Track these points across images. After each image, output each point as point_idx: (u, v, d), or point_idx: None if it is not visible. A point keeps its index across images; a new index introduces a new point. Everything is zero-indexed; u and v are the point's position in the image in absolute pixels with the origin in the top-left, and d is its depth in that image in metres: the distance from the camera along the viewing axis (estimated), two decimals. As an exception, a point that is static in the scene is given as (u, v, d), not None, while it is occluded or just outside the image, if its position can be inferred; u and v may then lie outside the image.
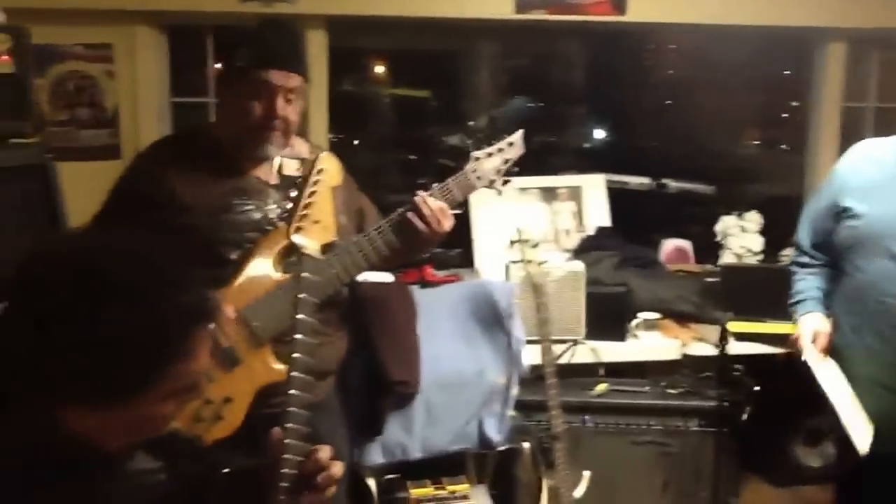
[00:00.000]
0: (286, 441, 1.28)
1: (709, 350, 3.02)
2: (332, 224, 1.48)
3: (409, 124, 4.35)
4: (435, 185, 2.12)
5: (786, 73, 4.50)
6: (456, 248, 3.52)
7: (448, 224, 2.10)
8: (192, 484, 1.23)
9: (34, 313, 1.02)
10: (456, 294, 2.88)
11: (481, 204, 3.48)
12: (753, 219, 3.61)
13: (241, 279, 1.98)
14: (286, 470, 1.26)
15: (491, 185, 2.20)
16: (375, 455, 2.61)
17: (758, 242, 3.57)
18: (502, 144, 2.20)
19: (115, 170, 2.19)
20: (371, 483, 2.63)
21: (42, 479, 1.02)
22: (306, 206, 1.45)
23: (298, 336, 1.35)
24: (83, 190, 2.04)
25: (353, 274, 2.06)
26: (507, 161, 2.20)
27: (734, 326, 2.91)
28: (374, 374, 2.55)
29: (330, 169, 1.50)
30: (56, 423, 1.03)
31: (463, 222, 3.48)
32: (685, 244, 3.68)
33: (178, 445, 1.31)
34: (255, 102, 1.99)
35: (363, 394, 2.54)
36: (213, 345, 1.14)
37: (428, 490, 2.60)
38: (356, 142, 4.33)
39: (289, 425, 1.30)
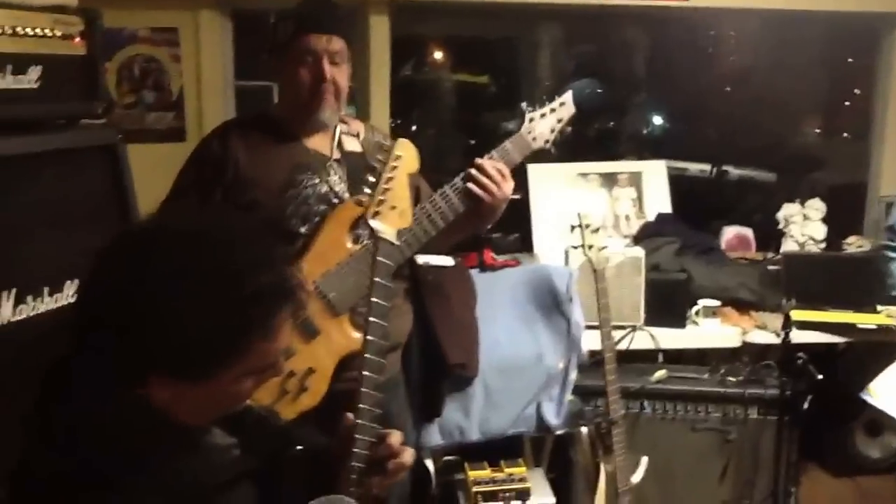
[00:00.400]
0: (359, 422, 1.30)
1: (769, 338, 2.98)
2: (408, 210, 1.49)
3: (468, 110, 4.35)
4: (493, 150, 2.16)
5: (849, 60, 4.39)
6: (514, 233, 3.52)
7: (509, 187, 2.13)
8: (267, 460, 1.25)
9: (122, 288, 1.04)
10: (515, 278, 2.88)
11: (541, 189, 3.47)
12: (816, 206, 3.53)
13: (313, 252, 2.03)
14: (357, 451, 1.28)
15: (546, 144, 2.23)
16: (434, 436, 2.63)
17: (821, 230, 3.50)
18: (554, 104, 2.24)
19: (179, 152, 2.25)
20: (429, 464, 2.66)
21: (129, 451, 1.05)
22: (384, 192, 1.47)
23: (372, 319, 1.37)
24: (148, 172, 2.09)
25: (421, 241, 2.09)
26: (560, 121, 2.23)
27: (796, 315, 2.86)
28: (433, 356, 2.57)
29: (407, 155, 1.52)
30: (140, 397, 1.06)
31: (521, 207, 3.48)
32: (746, 231, 3.62)
33: (253, 421, 1.32)
34: (302, 70, 2.05)
35: (422, 376, 2.56)
36: (294, 317, 1.15)
37: (485, 472, 2.61)
38: (414, 127, 4.36)
39: (361, 406, 1.31)
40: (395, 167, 1.49)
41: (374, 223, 1.45)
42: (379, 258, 1.41)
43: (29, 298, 1.68)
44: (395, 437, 1.32)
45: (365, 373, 1.35)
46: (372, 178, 1.49)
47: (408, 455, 1.31)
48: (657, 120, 4.53)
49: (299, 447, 1.29)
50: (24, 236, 1.70)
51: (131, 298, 1.03)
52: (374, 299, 1.38)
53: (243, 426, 1.25)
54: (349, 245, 2.06)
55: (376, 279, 1.39)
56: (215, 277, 1.04)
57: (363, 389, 1.34)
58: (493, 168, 2.09)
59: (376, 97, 3.46)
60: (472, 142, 4.30)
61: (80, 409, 1.07)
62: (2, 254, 1.64)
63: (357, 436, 1.29)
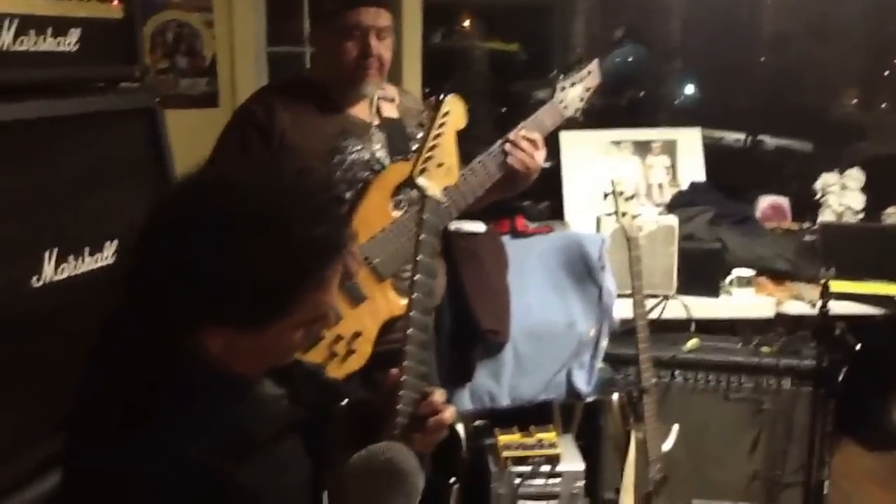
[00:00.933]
0: (403, 379, 1.30)
1: (804, 309, 2.95)
2: (455, 167, 1.49)
3: (498, 78, 4.31)
4: (527, 120, 2.17)
5: (888, 29, 4.28)
6: (545, 201, 3.51)
7: (542, 156, 2.15)
8: (314, 413, 1.26)
9: (176, 236, 1.05)
10: (547, 245, 2.87)
11: (572, 157, 3.45)
12: (855, 176, 3.47)
13: (357, 218, 2.05)
14: (401, 407, 1.29)
15: (575, 113, 2.25)
16: (464, 401, 2.65)
17: (859, 200, 3.44)
18: (583, 73, 2.26)
19: (212, 118, 2.26)
20: (460, 428, 2.67)
21: (182, 400, 1.06)
22: (431, 149, 1.46)
23: (418, 276, 1.37)
24: (182, 138, 2.10)
25: (460, 207, 2.11)
26: (587, 89, 2.26)
27: (833, 285, 2.82)
28: (464, 322, 2.58)
29: (456, 112, 1.51)
30: (193, 348, 1.08)
31: (553, 175, 3.46)
32: (782, 201, 3.57)
33: (302, 374, 1.34)
34: (348, 44, 2.04)
35: (454, 341, 2.58)
36: (341, 282, 1.16)
37: (515, 437, 2.63)
38: (443, 95, 4.32)
39: (406, 363, 1.32)
40: (442, 123, 1.48)
41: (420, 180, 1.44)
42: (425, 215, 1.40)
43: (70, 258, 1.71)
44: (438, 395, 1.33)
45: (410, 330, 1.35)
46: (420, 134, 1.49)
47: (449, 413, 1.32)
48: (692, 88, 4.46)
49: (345, 402, 1.30)
50: (64, 198, 1.72)
51: (186, 246, 1.04)
52: (419, 257, 1.38)
53: (292, 379, 1.26)
54: (392, 211, 2.09)
55: (422, 236, 1.38)
56: (271, 226, 1.04)
57: (408, 347, 1.34)
58: (528, 138, 2.11)
59: (408, 65, 3.44)
60: (503, 110, 4.27)
61: (135, 361, 1.08)
62: (43, 214, 1.67)
63: (401, 392, 1.30)
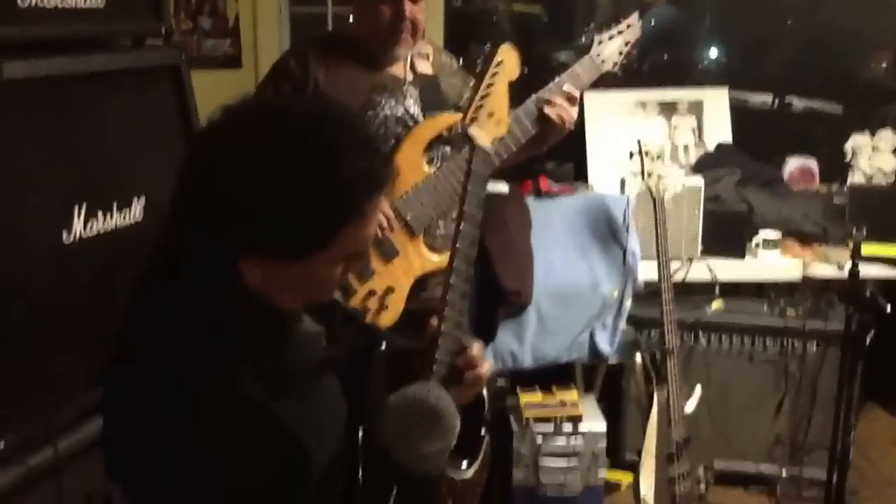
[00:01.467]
0: (443, 329, 1.30)
1: (832, 272, 2.92)
2: (505, 119, 1.46)
3: (521, 40, 4.25)
4: (563, 74, 2.13)
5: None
6: (568, 162, 3.48)
7: (576, 112, 2.12)
8: (352, 355, 1.27)
9: (223, 162, 1.05)
10: (571, 206, 2.86)
11: (597, 117, 3.41)
12: (887, 138, 3.40)
13: None
14: (439, 358, 1.29)
15: (613, 67, 2.20)
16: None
17: (891, 162, 3.37)
18: (622, 27, 2.21)
19: (236, 79, 2.24)
20: (483, 389, 2.69)
21: (224, 333, 1.08)
22: (483, 98, 1.44)
23: (463, 226, 1.35)
24: (205, 99, 2.10)
25: (495, 163, 2.09)
26: (627, 43, 2.20)
27: (863, 248, 2.78)
28: (486, 282, 2.58)
29: (509, 62, 1.48)
30: (234, 279, 1.08)
31: (576, 136, 3.43)
32: (811, 162, 3.51)
33: (341, 315, 1.35)
34: (383, 7, 2.04)
35: (475, 301, 2.58)
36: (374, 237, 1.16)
37: (537, 397, 2.65)
38: (462, 59, 4.28)
39: (447, 313, 1.31)
40: (495, 73, 1.45)
41: (471, 129, 1.41)
42: (473, 166, 1.37)
43: (99, 213, 1.72)
44: (476, 349, 1.32)
45: (452, 279, 1.34)
46: (472, 82, 1.47)
47: (485, 367, 1.31)
48: (719, 49, 4.38)
49: (384, 346, 1.30)
50: (93, 154, 1.74)
51: (230, 172, 1.04)
52: (465, 207, 1.36)
53: (332, 319, 1.27)
54: (425, 167, 2.09)
55: (469, 187, 1.36)
56: (316, 155, 1.04)
57: (450, 296, 1.33)
58: (566, 92, 2.09)
59: (431, 28, 3.38)
60: (525, 71, 4.22)
61: (179, 295, 1.09)
62: (72, 170, 1.68)
63: (440, 342, 1.29)
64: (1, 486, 1.49)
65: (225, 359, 1.06)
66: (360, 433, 1.16)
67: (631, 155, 2.52)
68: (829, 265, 2.94)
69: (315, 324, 1.24)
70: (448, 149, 2.17)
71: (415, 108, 2.12)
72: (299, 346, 1.17)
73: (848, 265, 2.61)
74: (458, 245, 1.35)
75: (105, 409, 1.13)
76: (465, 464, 1.37)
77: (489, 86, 1.45)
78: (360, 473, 1.19)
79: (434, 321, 1.32)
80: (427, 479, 0.93)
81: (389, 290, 2.05)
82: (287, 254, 1.07)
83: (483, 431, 1.41)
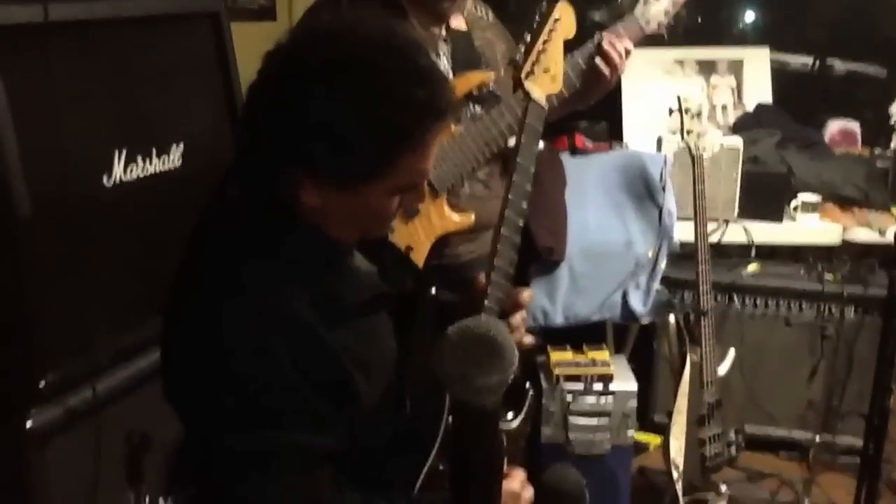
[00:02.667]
0: (492, 278, 1.31)
1: (872, 237, 2.87)
2: (560, 76, 1.45)
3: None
4: (605, 31, 2.06)
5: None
6: (602, 121, 3.42)
7: (625, 66, 2.05)
8: (403, 296, 1.28)
9: (287, 83, 1.06)
10: (607, 164, 2.82)
11: (633, 76, 3.35)
12: (933, 102, 3.31)
13: None
14: (489, 305, 1.30)
15: (658, 28, 2.12)
16: (518, 318, 2.65)
17: (937, 127, 3.29)
18: None
19: (271, 31, 2.20)
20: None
21: (279, 259, 1.09)
22: (538, 54, 1.43)
23: (515, 178, 1.38)
24: (240, 51, 2.09)
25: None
26: (675, 4, 2.10)
27: (906, 213, 2.74)
28: (520, 238, 2.56)
29: (566, 19, 1.46)
30: (292, 205, 1.09)
31: (612, 95, 3.36)
32: (852, 125, 3.44)
33: (393, 256, 1.36)
34: None
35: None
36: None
37: (568, 354, 2.63)
38: (491, 16, 4.21)
39: (497, 262, 1.33)
40: (552, 30, 1.44)
41: (526, 84, 1.41)
42: (528, 121, 1.39)
43: (139, 159, 1.72)
44: (526, 294, 1.35)
45: (503, 230, 1.36)
46: (528, 37, 1.46)
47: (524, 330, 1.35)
48: (759, 8, 4.27)
49: (433, 290, 1.31)
50: (133, 100, 1.74)
51: (293, 93, 1.05)
52: (519, 160, 1.38)
53: (384, 258, 1.28)
54: (452, 126, 2.04)
55: (523, 140, 1.38)
56: (378, 80, 1.04)
57: (500, 246, 1.35)
58: (621, 46, 2.00)
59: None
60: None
61: (240, 222, 1.11)
62: (113, 115, 1.68)
63: (490, 290, 1.31)
64: (42, 424, 1.52)
65: (280, 283, 1.08)
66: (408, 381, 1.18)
67: (670, 112, 2.47)
68: (869, 230, 2.89)
69: (367, 262, 1.24)
70: (478, 108, 2.13)
71: (445, 65, 2.05)
72: (351, 281, 1.18)
73: (890, 230, 2.56)
74: (510, 196, 1.37)
75: (165, 329, 1.15)
76: (510, 415, 1.40)
77: (545, 42, 1.44)
78: (408, 411, 1.21)
79: (481, 280, 1.33)
80: (483, 414, 0.93)
81: (409, 250, 2.01)
82: (345, 177, 1.08)
83: (528, 384, 1.43)
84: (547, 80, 1.43)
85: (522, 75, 1.42)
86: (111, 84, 1.69)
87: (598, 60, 1.99)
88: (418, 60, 1.09)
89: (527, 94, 1.40)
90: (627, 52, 2.02)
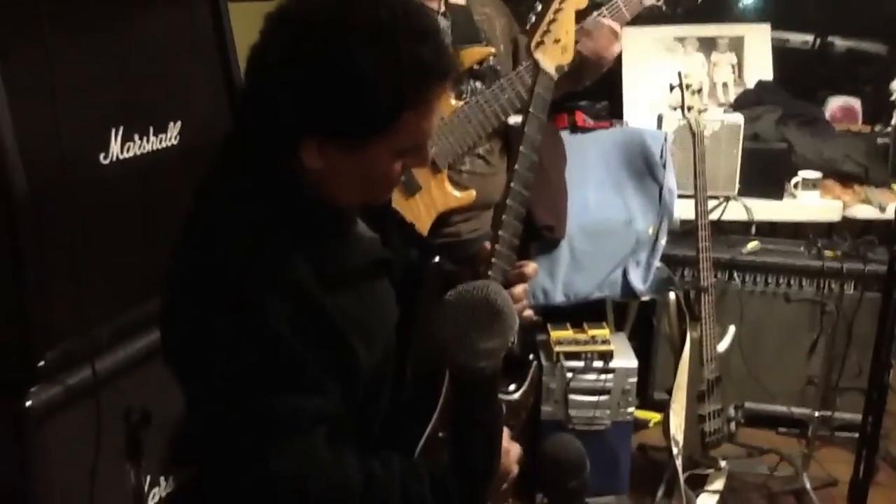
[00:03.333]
0: (497, 249, 1.32)
1: (872, 213, 2.87)
2: (570, 47, 1.45)
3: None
4: (603, 7, 2.06)
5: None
6: (603, 101, 3.40)
7: (618, 47, 2.04)
8: (407, 265, 1.28)
9: (291, 39, 1.05)
10: (607, 141, 2.81)
11: (633, 54, 3.33)
12: (934, 78, 3.30)
13: None
14: (492, 275, 1.31)
15: (657, 1, 2.13)
16: (518, 297, 2.65)
17: (938, 103, 3.28)
18: None
19: (267, 9, 2.17)
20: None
21: (283, 226, 1.09)
22: (550, 23, 1.43)
23: (522, 149, 1.38)
24: (239, 30, 2.07)
25: (525, 98, 2.04)
26: None
27: (906, 189, 2.73)
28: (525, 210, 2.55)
29: None
30: (295, 166, 1.09)
31: (612, 74, 3.35)
32: (853, 102, 3.42)
33: (397, 224, 1.36)
34: None
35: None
36: None
37: (568, 333, 2.63)
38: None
39: (502, 234, 1.34)
40: (563, 0, 1.45)
41: (537, 54, 1.42)
42: (537, 90, 1.39)
43: (136, 136, 1.71)
44: (530, 267, 1.36)
45: (509, 201, 1.37)
46: (539, 7, 1.45)
47: (526, 302, 1.35)
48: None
49: (437, 259, 1.32)
50: (130, 77, 1.72)
51: (297, 49, 1.04)
52: (527, 129, 1.38)
53: (387, 226, 1.28)
54: (452, 101, 2.03)
55: (531, 111, 1.38)
56: (382, 36, 1.04)
57: (505, 217, 1.36)
58: (606, 26, 2.01)
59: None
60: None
61: (241, 186, 1.11)
62: (110, 93, 1.67)
63: (494, 261, 1.32)
64: (41, 403, 1.51)
65: (281, 246, 1.07)
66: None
67: (671, 87, 2.45)
68: (869, 206, 2.88)
69: (370, 230, 1.24)
70: (478, 83, 2.12)
71: (445, 40, 2.06)
72: (354, 247, 1.18)
73: (891, 207, 2.56)
74: (516, 167, 1.37)
75: (167, 292, 1.15)
76: (513, 386, 1.41)
77: (557, 12, 1.44)
78: (409, 379, 1.21)
79: (486, 247, 1.32)
80: (483, 378, 0.93)
81: (410, 226, 2.02)
82: (350, 136, 1.07)
83: (531, 356, 1.43)
84: (557, 51, 1.43)
85: (533, 45, 1.42)
86: (108, 61, 1.67)
87: (580, 44, 1.98)
88: (422, 20, 1.08)
89: (536, 64, 1.40)
90: (614, 33, 2.01)
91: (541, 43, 1.42)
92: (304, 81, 1.04)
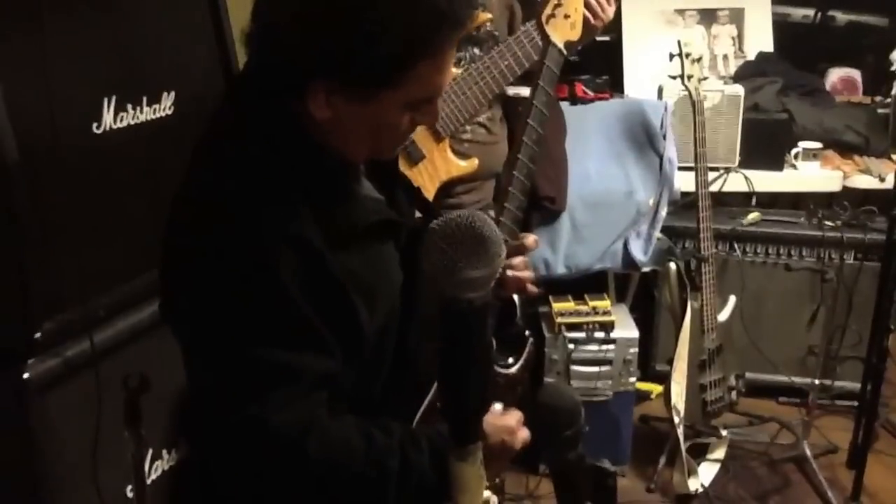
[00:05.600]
0: (501, 220, 1.33)
1: (872, 183, 2.86)
2: (580, 23, 1.47)
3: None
4: None
5: None
6: (603, 74, 3.38)
7: (612, 10, 2.01)
8: (412, 228, 1.27)
9: None
10: (607, 112, 2.79)
11: (633, 26, 3.30)
12: (935, 49, 3.27)
13: None
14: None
15: None
16: (518, 269, 2.64)
17: (939, 73, 3.25)
18: None
19: None
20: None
21: (290, 174, 1.08)
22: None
23: (530, 122, 1.39)
24: (234, 6, 2.05)
25: (524, 64, 2.03)
26: None
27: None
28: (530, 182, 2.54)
29: None
30: (303, 116, 1.07)
31: (612, 47, 3.32)
32: (854, 73, 3.40)
33: (403, 185, 1.35)
34: None
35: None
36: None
37: (570, 304, 2.63)
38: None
39: (507, 205, 1.35)
40: None
41: (548, 28, 1.43)
42: (547, 63, 1.41)
43: (129, 107, 1.69)
44: (529, 239, 1.36)
45: (515, 173, 1.38)
46: None
47: (528, 273, 1.36)
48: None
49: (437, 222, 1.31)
50: (123, 47, 1.70)
51: None
52: (535, 102, 1.39)
53: (393, 187, 1.27)
54: (453, 69, 2.02)
55: (540, 83, 1.39)
56: None
57: (511, 189, 1.37)
58: None
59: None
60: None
61: (244, 141, 1.09)
62: (102, 62, 1.65)
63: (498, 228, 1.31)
64: (39, 375, 1.51)
65: (288, 202, 1.06)
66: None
67: (671, 56, 2.43)
68: (870, 177, 2.87)
69: (376, 192, 1.23)
70: (476, 50, 2.10)
71: None
72: (359, 206, 1.16)
73: (890, 176, 2.55)
74: (524, 139, 1.38)
75: (164, 249, 1.14)
76: (511, 360, 1.41)
77: None
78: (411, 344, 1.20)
79: (492, 212, 1.34)
80: (471, 311, 0.91)
81: None
82: (361, 83, 1.05)
83: (528, 332, 1.43)
84: (567, 27, 1.44)
85: (543, 19, 1.43)
86: (100, 31, 1.65)
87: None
88: None
89: (546, 38, 1.41)
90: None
91: (552, 16, 1.44)
92: (319, 28, 1.02)
